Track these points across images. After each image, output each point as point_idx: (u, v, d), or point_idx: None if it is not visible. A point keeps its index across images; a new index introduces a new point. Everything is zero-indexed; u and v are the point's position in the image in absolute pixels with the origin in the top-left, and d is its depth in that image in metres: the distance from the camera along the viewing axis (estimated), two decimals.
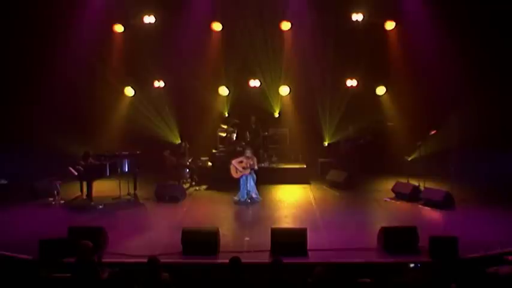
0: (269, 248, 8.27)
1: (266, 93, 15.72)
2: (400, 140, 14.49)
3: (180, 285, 6.59)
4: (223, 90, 15.77)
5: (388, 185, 12.80)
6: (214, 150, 14.71)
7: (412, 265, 7.13)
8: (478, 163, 12.90)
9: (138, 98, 15.76)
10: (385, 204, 11.86)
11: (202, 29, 15.18)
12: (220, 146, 14.97)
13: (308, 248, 8.26)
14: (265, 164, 13.71)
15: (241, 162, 12.01)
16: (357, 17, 14.88)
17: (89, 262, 6.56)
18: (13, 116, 14.11)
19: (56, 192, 11.83)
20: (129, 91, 15.79)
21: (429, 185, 12.21)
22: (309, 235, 8.37)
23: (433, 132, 12.50)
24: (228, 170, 12.14)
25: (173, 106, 15.40)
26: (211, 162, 14.44)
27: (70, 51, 14.10)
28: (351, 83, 15.57)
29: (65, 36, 14.09)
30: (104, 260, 7.06)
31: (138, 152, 12.46)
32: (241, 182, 11.89)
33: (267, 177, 13.45)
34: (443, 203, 11.11)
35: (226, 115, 15.72)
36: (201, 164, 14.47)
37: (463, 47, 13.38)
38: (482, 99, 13.36)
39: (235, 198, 11.98)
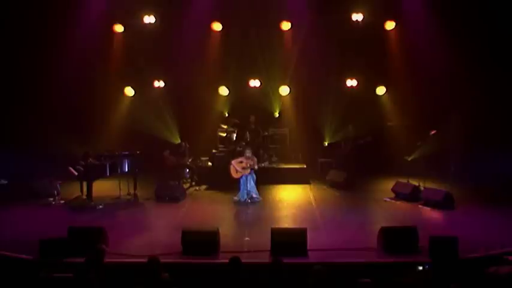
0: (269, 248, 8.26)
1: (266, 93, 15.72)
2: (400, 140, 14.48)
3: (180, 285, 6.59)
4: (223, 90, 15.77)
5: (388, 185, 12.80)
6: (214, 150, 14.70)
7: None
8: (478, 163, 12.90)
9: (138, 98, 15.76)
10: (385, 204, 11.86)
11: (202, 29, 15.17)
12: (220, 146, 14.97)
13: (308, 248, 8.26)
14: (265, 164, 13.71)
15: (241, 162, 12.01)
16: (357, 17, 14.87)
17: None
18: (13, 116, 14.11)
19: (56, 192, 11.84)
20: (129, 91, 15.79)
21: (429, 185, 12.21)
22: (309, 235, 8.36)
23: (433, 132, 12.51)
24: (228, 170, 12.14)
25: (173, 106, 15.38)
26: (211, 162, 14.43)
27: (70, 51, 14.10)
28: (351, 83, 15.56)
29: (65, 36, 14.09)
30: (104, 260, 7.06)
31: (138, 152, 12.47)
32: (241, 182, 11.89)
33: (267, 177, 13.43)
34: (443, 203, 11.11)
35: (226, 115, 15.72)
36: (201, 164, 14.47)
37: (463, 47, 13.39)
38: (482, 99, 13.36)
39: (235, 198, 11.98)
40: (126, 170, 12.05)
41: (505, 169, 12.68)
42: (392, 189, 12.38)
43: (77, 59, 14.19)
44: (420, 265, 7.06)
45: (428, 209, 11.19)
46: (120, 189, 12.17)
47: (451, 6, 13.45)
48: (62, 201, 11.77)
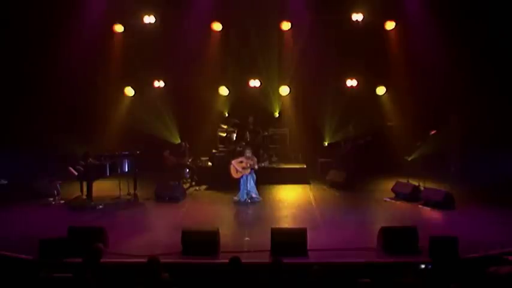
0: (269, 248, 8.26)
1: (266, 93, 15.72)
2: (400, 140, 14.47)
3: (180, 285, 6.59)
4: (223, 90, 15.76)
5: (388, 185, 12.80)
6: (214, 150, 14.70)
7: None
8: (478, 163, 12.90)
9: (138, 98, 15.77)
10: (385, 204, 11.86)
11: (202, 29, 15.17)
12: (220, 146, 14.96)
13: (308, 248, 8.26)
14: (265, 164, 13.72)
15: (241, 162, 12.01)
16: (357, 17, 14.87)
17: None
18: (13, 116, 14.11)
19: (56, 192, 11.85)
20: (129, 91, 15.79)
21: (429, 185, 12.21)
22: (309, 235, 8.37)
23: (433, 132, 12.51)
24: (228, 170, 12.14)
25: (173, 106, 15.37)
26: (211, 162, 14.43)
27: (70, 51, 14.09)
28: (351, 83, 15.56)
29: (65, 36, 14.09)
30: (104, 260, 7.06)
31: (138, 152, 12.47)
32: (241, 182, 11.89)
33: (267, 177, 13.43)
34: (443, 203, 11.11)
35: (226, 115, 15.71)
36: (201, 164, 14.46)
37: (463, 47, 13.39)
38: (482, 99, 13.36)
39: (235, 198, 11.98)
40: (126, 170, 12.05)
41: (505, 169, 12.68)
42: (392, 189, 12.38)
43: (77, 59, 14.18)
44: (421, 264, 7.08)
45: (428, 209, 11.19)
46: (120, 189, 12.17)
47: (451, 6, 13.45)
48: (62, 201, 11.77)
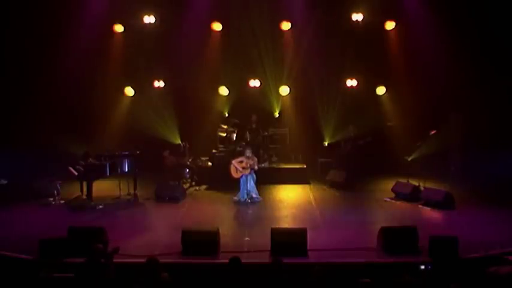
0: (269, 248, 8.27)
1: (266, 93, 15.72)
2: (400, 140, 14.47)
3: (180, 285, 6.59)
4: (223, 90, 15.76)
5: (388, 185, 12.79)
6: (214, 150, 14.70)
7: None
8: (478, 163, 12.90)
9: (138, 98, 15.76)
10: (385, 204, 11.86)
11: (202, 29, 15.17)
12: (220, 146, 14.96)
13: (308, 248, 8.26)
14: (265, 164, 13.69)
15: (241, 162, 12.01)
16: (357, 17, 14.87)
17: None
18: (13, 116, 14.11)
19: (56, 192, 11.85)
20: (129, 91, 15.79)
21: (429, 185, 12.21)
22: (309, 235, 8.37)
23: (433, 132, 12.51)
24: (228, 170, 12.14)
25: (173, 106, 15.37)
26: (211, 162, 14.43)
27: (70, 51, 14.09)
28: (351, 83, 15.55)
29: (65, 36, 14.09)
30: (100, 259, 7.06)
31: (138, 152, 12.47)
32: (241, 182, 11.90)
33: (267, 177, 13.43)
34: (443, 203, 11.11)
35: (226, 115, 15.71)
36: (201, 164, 14.46)
37: (463, 47, 13.39)
38: (482, 98, 13.36)
39: (235, 198, 11.98)
40: (126, 170, 12.06)
41: (505, 169, 12.67)
42: (393, 189, 12.38)
43: (77, 59, 14.17)
44: (421, 264, 7.08)
45: (428, 209, 11.19)
46: (120, 189, 12.17)
47: (451, 6, 13.45)
48: (62, 201, 11.77)
